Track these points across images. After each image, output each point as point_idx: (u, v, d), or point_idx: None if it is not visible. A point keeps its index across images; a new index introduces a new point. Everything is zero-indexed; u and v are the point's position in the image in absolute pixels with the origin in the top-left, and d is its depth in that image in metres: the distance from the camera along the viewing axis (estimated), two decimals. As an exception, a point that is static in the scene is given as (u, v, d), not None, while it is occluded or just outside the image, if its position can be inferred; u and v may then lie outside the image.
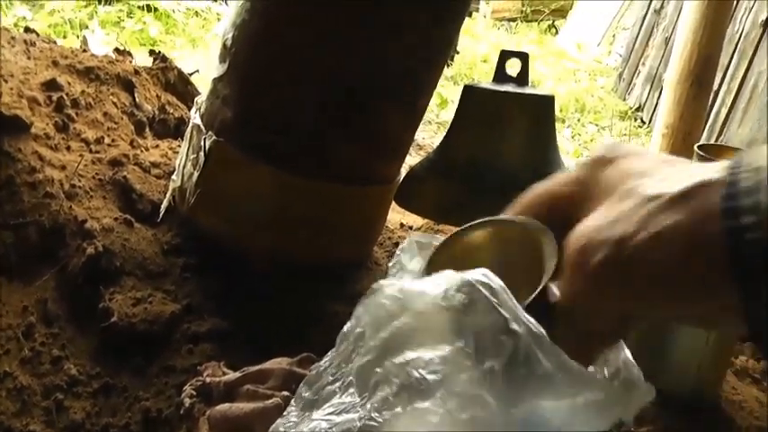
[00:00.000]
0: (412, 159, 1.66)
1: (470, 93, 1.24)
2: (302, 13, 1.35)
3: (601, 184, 0.52)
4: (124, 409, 1.29)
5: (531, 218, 0.59)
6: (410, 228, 1.92)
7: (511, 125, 1.20)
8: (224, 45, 1.44)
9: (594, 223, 0.50)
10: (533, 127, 1.21)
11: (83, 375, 1.34)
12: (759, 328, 0.44)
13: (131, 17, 5.09)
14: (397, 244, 1.71)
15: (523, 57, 1.22)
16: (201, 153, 1.43)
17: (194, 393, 1.11)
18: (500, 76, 1.22)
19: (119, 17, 5.05)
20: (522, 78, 1.21)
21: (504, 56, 1.23)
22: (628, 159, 0.52)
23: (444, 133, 1.31)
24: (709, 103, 3.42)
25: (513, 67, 1.22)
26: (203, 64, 3.07)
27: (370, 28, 1.33)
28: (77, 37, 4.60)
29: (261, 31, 1.37)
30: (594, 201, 0.52)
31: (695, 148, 1.34)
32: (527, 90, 1.21)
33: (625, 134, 4.64)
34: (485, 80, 1.26)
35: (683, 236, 0.45)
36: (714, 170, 0.46)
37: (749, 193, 0.43)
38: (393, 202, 1.60)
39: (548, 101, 1.22)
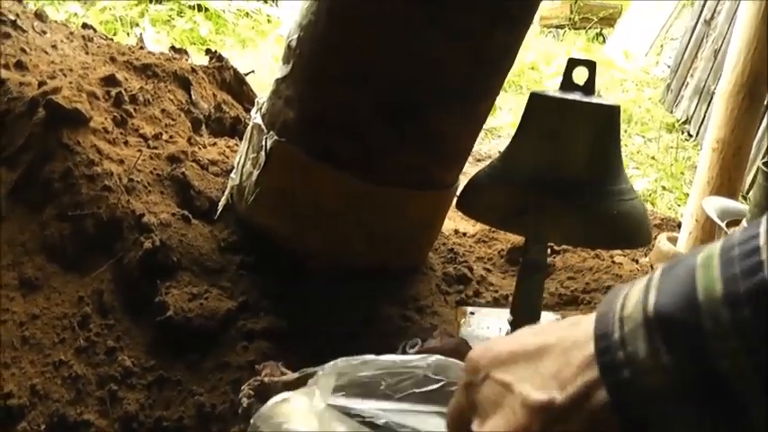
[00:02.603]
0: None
1: (537, 100, 1.22)
2: (367, 16, 1.35)
3: (483, 401, 0.51)
4: (178, 403, 1.30)
5: None
6: (464, 234, 1.92)
7: (577, 134, 1.19)
8: (288, 46, 1.45)
9: None
10: (599, 137, 1.19)
11: (137, 367, 1.36)
12: None
13: (182, 16, 5.15)
14: (452, 250, 1.71)
15: (591, 65, 1.20)
16: (262, 153, 1.44)
17: (252, 393, 1.11)
18: (567, 84, 1.21)
19: (169, 16, 5.12)
20: (589, 87, 1.20)
21: (572, 64, 1.22)
22: (497, 367, 0.51)
23: (506, 143, 1.30)
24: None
25: (580, 75, 1.21)
26: (253, 65, 3.09)
27: (431, 33, 1.33)
28: (128, 34, 4.67)
29: (326, 33, 1.38)
30: (482, 416, 0.51)
31: (761, 164, 1.31)
32: (594, 99, 1.19)
33: (672, 147, 4.58)
34: (550, 88, 1.24)
35: None
36: (588, 350, 0.44)
37: (622, 366, 0.42)
38: (449, 209, 1.60)
39: (614, 111, 1.20)
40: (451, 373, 0.83)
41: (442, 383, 0.83)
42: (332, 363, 0.82)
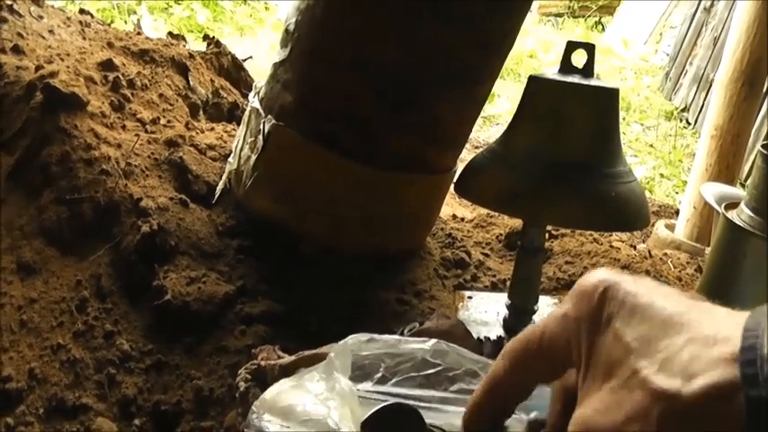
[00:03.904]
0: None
1: (535, 83, 1.22)
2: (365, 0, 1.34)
3: (598, 353, 0.47)
4: (176, 387, 1.30)
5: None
6: (462, 219, 1.92)
7: (575, 116, 1.18)
8: (286, 30, 1.44)
9: (599, 416, 0.45)
10: (597, 119, 1.19)
11: (135, 351, 1.36)
12: None
13: (179, 4, 5.13)
14: (449, 234, 1.71)
15: (590, 48, 1.20)
16: (260, 137, 1.43)
17: (249, 377, 1.10)
18: (566, 66, 1.20)
19: (167, 3, 5.10)
20: (588, 70, 1.19)
21: (571, 47, 1.21)
22: (626, 317, 0.45)
23: (504, 129, 1.30)
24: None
25: (578, 59, 1.21)
26: (251, 52, 3.08)
27: (430, 17, 1.33)
28: (125, 22, 4.65)
29: (324, 16, 1.37)
30: (591, 373, 0.47)
31: (760, 147, 1.31)
32: (592, 82, 1.19)
33: (670, 134, 4.58)
34: (548, 72, 1.24)
35: None
36: (728, 348, 0.41)
37: None
38: (448, 194, 1.60)
39: (613, 93, 1.20)
40: (449, 358, 0.84)
41: (439, 368, 0.84)
42: (342, 342, 0.82)
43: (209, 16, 5.11)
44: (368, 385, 0.83)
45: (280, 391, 0.73)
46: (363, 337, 0.82)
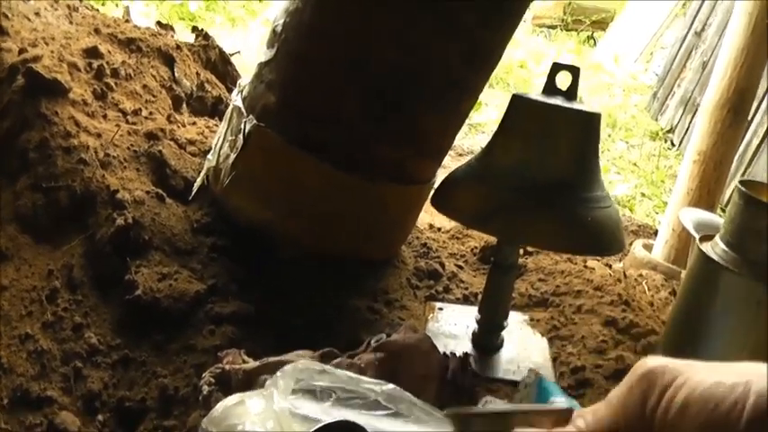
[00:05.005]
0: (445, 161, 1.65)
1: (519, 103, 1.22)
2: (355, 6, 1.34)
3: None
4: (141, 384, 1.29)
5: None
6: (439, 229, 1.92)
7: (556, 139, 1.18)
8: (273, 31, 1.43)
9: None
10: (578, 142, 1.19)
11: (103, 345, 1.34)
12: None
13: (172, -9, 5.10)
14: (425, 244, 1.71)
15: (575, 71, 1.20)
16: (241, 136, 1.43)
17: (213, 381, 1.10)
18: (549, 88, 1.21)
19: (159, -11, 5.06)
20: (572, 93, 1.20)
21: (556, 68, 1.22)
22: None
23: (488, 139, 1.30)
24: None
25: (563, 80, 1.21)
26: (242, 45, 3.07)
27: (419, 28, 1.32)
28: (116, 5, 4.61)
29: (313, 19, 1.36)
30: None
31: (737, 183, 1.31)
32: (575, 105, 1.19)
33: (654, 154, 4.60)
34: (532, 90, 1.24)
35: None
36: None
37: None
38: (425, 203, 1.60)
39: (595, 118, 1.20)
40: (403, 405, 0.83)
41: (389, 412, 0.83)
42: (291, 365, 0.82)
43: (201, 5, 5.08)
44: (316, 408, 0.83)
45: (225, 408, 0.73)
46: (317, 366, 0.83)
